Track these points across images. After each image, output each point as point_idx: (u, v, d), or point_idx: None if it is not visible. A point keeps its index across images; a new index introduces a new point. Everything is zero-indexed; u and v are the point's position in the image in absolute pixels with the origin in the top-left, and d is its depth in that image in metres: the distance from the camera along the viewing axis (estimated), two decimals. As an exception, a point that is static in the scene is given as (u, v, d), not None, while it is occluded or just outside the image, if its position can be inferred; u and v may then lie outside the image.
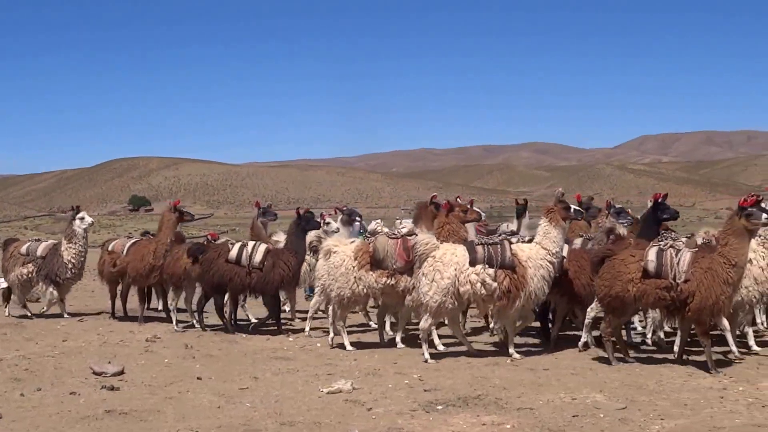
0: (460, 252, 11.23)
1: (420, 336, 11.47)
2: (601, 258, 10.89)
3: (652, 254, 10.43)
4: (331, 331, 12.56)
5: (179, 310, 14.99)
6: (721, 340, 11.06)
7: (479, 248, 11.14)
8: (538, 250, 11.16)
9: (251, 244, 13.86)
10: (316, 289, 13.63)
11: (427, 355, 11.21)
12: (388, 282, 11.93)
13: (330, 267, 12.22)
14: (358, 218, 15.77)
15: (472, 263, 11.06)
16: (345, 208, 15.75)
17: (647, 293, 10.39)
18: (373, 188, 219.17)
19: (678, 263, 10.25)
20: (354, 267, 12.02)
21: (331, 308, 12.52)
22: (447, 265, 11.10)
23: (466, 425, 7.98)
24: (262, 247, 13.64)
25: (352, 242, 12.81)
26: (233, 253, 13.59)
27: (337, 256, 12.19)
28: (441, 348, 11.99)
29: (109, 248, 15.75)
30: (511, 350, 11.38)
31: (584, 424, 7.97)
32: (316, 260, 13.38)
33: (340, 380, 9.69)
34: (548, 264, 11.10)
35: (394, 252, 11.94)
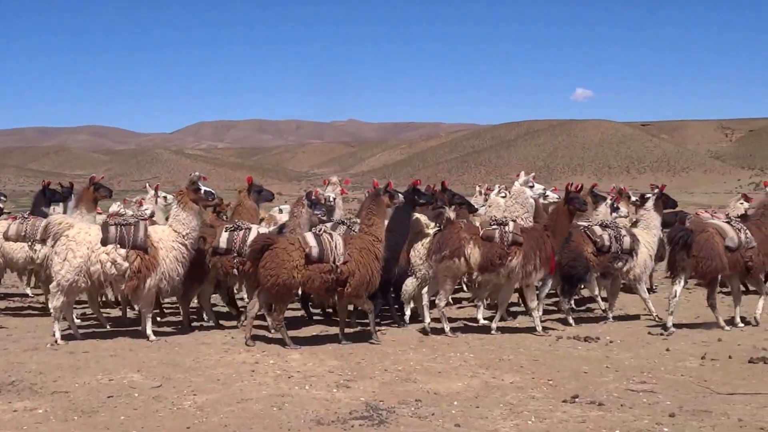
0: (94, 231, 11.17)
1: (52, 315, 11.22)
2: (261, 247, 10.99)
3: (311, 240, 10.92)
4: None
5: None
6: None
7: (112, 228, 11.15)
8: (170, 233, 11.33)
9: None
10: None
11: (57, 335, 11.07)
12: None
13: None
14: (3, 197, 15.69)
15: (104, 243, 11.03)
16: None
17: (312, 278, 10.85)
18: None
19: (335, 246, 10.88)
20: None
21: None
22: (80, 245, 11.01)
23: (-4, 413, 7.76)
24: None
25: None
26: None
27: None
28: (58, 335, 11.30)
29: None
30: (148, 331, 11.37)
31: (118, 404, 8.09)
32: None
33: None
34: (180, 246, 11.29)
35: None
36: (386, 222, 11.68)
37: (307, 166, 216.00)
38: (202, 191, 11.57)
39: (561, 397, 8.35)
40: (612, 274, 13.16)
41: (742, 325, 12.41)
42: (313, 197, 12.42)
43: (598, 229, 12.91)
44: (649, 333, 11.86)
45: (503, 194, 14.46)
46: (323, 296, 11.55)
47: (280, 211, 16.73)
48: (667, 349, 10.73)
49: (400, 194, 11.88)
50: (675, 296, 12.20)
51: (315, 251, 10.81)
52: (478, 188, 16.79)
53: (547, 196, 13.64)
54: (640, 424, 7.49)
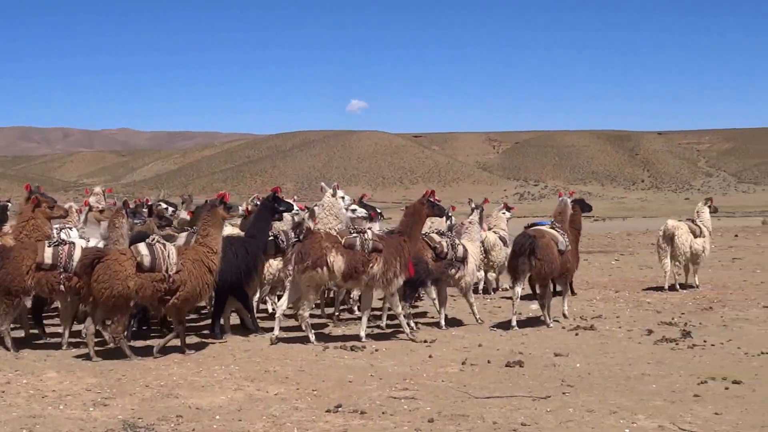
0: None
1: None
2: (91, 260, 10.57)
3: (143, 249, 10.77)
4: None
5: None
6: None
7: None
8: None
9: None
10: None
11: None
12: None
13: None
14: None
15: None
16: None
17: (145, 287, 10.66)
18: None
19: (168, 256, 10.83)
20: None
21: None
22: None
23: None
24: None
25: None
26: None
27: None
28: None
29: None
30: None
31: None
32: None
33: None
34: None
35: None
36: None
37: (76, 176, 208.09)
38: None
39: (324, 407, 8.35)
40: (444, 281, 13.61)
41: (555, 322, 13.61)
42: (130, 207, 12.47)
43: (436, 237, 13.42)
44: (413, 340, 12.10)
45: None
46: (155, 306, 11.27)
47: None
48: (430, 356, 10.99)
49: (239, 207, 12.13)
50: (517, 297, 13.28)
51: (147, 260, 10.68)
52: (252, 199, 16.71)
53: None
54: (400, 430, 7.61)
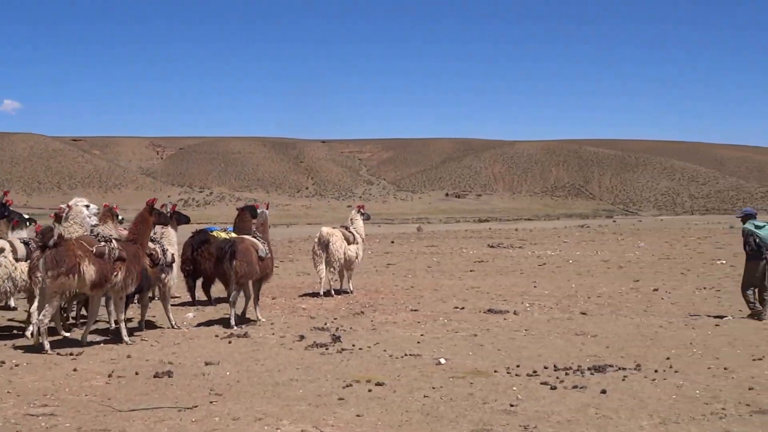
0: None
1: None
2: None
3: None
4: None
5: None
6: None
7: None
8: None
9: None
10: None
11: None
12: None
13: None
14: None
15: None
16: None
17: None
18: None
19: None
20: None
21: None
22: None
23: None
24: None
25: None
26: None
27: None
28: None
29: None
30: None
31: None
32: None
33: None
34: None
35: None
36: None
37: None
38: None
39: (-60, 430, 7.71)
40: (156, 286, 13.85)
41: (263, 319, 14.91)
42: None
43: (151, 244, 13.38)
44: (58, 354, 11.49)
45: None
46: None
47: None
48: (75, 369, 10.47)
49: None
50: (235, 301, 14.25)
51: None
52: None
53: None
54: (34, 450, 7.18)
